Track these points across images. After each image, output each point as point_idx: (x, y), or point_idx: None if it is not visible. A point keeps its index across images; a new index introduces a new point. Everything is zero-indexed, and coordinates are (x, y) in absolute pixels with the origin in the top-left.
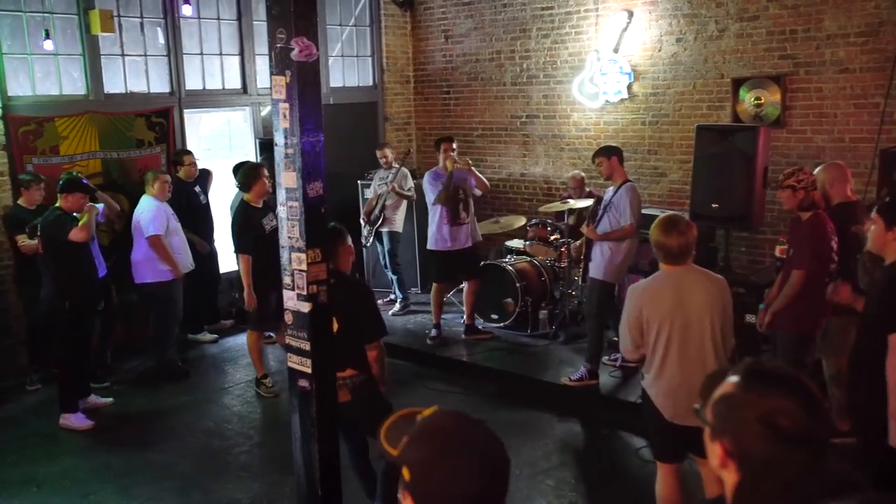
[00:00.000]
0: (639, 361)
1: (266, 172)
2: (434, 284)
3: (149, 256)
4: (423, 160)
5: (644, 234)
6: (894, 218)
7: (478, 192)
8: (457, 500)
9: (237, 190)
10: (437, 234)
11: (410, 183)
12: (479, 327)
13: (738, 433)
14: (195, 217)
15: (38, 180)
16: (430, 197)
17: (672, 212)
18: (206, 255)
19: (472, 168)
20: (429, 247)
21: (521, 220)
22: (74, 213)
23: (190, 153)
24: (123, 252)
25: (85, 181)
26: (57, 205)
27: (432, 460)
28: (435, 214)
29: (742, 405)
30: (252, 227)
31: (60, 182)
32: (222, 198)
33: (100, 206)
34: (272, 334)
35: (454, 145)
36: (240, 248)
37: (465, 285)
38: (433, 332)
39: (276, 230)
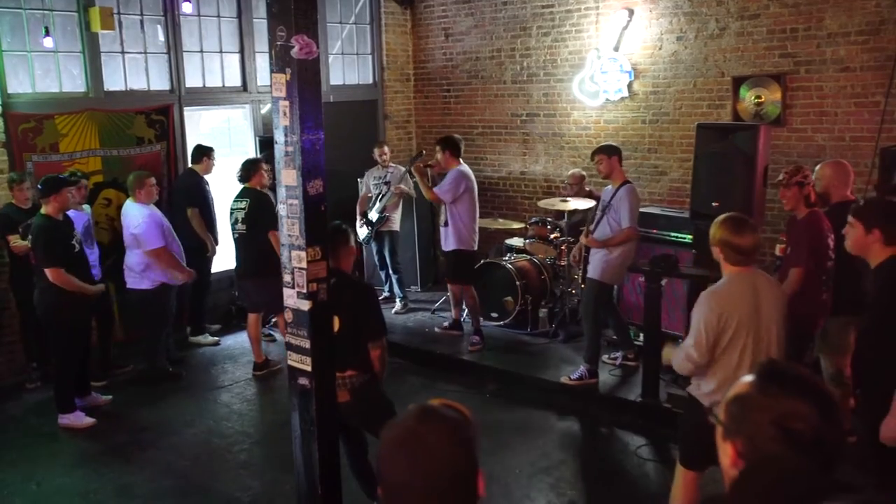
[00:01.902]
0: (692, 373)
1: (265, 165)
2: None
3: (142, 265)
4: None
5: (643, 233)
6: (872, 220)
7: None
8: (396, 488)
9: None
10: None
11: (409, 180)
12: (475, 340)
13: (752, 436)
14: (210, 214)
15: (21, 179)
16: None
17: (734, 213)
18: (203, 258)
19: (423, 174)
20: None
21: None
22: (68, 212)
23: (212, 150)
24: (123, 252)
25: (62, 176)
26: (42, 211)
27: (382, 453)
28: None
29: (757, 407)
30: (272, 206)
31: (40, 188)
32: (223, 197)
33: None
34: (273, 332)
35: (437, 147)
36: (272, 225)
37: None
38: (445, 322)
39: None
